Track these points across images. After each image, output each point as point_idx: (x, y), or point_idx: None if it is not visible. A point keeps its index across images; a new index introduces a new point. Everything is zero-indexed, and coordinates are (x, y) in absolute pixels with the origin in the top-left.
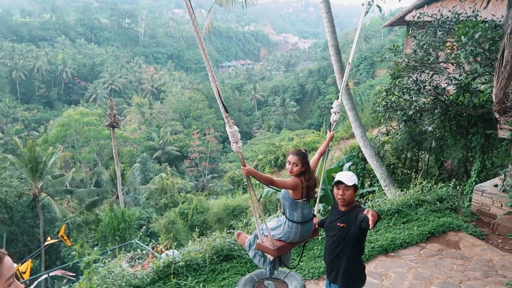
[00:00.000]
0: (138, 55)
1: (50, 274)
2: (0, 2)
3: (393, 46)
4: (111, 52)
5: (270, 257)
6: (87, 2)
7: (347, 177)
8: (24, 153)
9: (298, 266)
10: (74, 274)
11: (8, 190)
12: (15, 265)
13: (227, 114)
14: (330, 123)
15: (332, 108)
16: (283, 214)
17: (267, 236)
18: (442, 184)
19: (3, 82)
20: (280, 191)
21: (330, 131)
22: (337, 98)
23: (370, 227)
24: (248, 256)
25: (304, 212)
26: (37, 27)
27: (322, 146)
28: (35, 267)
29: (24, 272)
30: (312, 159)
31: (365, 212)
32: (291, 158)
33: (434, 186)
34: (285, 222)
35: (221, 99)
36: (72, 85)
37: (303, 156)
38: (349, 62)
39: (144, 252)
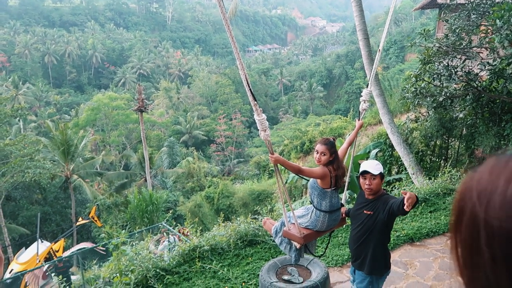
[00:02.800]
0: (166, 39)
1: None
2: None
3: (424, 30)
4: (139, 36)
5: (296, 245)
6: None
7: (373, 166)
8: (57, 136)
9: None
10: (105, 249)
11: (42, 172)
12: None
13: (255, 102)
14: (359, 111)
15: (361, 96)
16: (311, 203)
17: (294, 223)
18: None
19: (36, 67)
20: (308, 180)
21: (359, 120)
22: (367, 86)
23: (406, 209)
24: (273, 242)
25: (333, 202)
26: (68, 12)
27: (351, 135)
28: (67, 246)
29: (57, 251)
30: (341, 148)
31: (402, 192)
32: (319, 147)
33: (464, 175)
34: (313, 211)
35: (249, 87)
36: (101, 69)
37: (331, 146)
38: (379, 49)
39: (170, 235)
